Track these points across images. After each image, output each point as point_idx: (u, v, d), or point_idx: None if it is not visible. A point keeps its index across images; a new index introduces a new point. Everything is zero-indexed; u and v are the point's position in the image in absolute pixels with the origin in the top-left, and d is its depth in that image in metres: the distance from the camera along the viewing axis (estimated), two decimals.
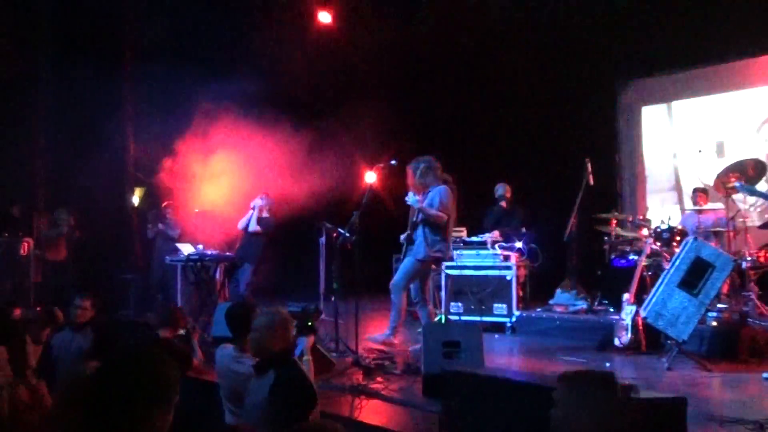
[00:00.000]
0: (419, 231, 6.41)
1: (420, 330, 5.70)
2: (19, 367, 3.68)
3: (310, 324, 4.14)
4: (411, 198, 6.38)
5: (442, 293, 8.07)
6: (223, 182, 10.32)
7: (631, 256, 7.54)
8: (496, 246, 7.93)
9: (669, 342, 5.91)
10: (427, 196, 6.41)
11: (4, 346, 3.69)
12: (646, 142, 10.37)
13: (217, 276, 9.38)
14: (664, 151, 10.08)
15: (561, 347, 6.66)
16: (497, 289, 7.74)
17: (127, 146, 10.76)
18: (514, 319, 7.63)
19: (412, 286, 6.62)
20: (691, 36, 9.30)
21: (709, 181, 7.03)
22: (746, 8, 8.69)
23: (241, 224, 8.81)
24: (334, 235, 7.04)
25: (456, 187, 6.57)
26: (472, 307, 7.78)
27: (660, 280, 6.07)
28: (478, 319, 7.48)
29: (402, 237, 6.68)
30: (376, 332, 6.75)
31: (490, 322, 7.74)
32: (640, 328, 6.14)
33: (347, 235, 6.81)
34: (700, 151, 7.66)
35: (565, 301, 7.91)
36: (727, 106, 9.40)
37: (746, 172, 6.81)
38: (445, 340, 4.88)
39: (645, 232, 7.30)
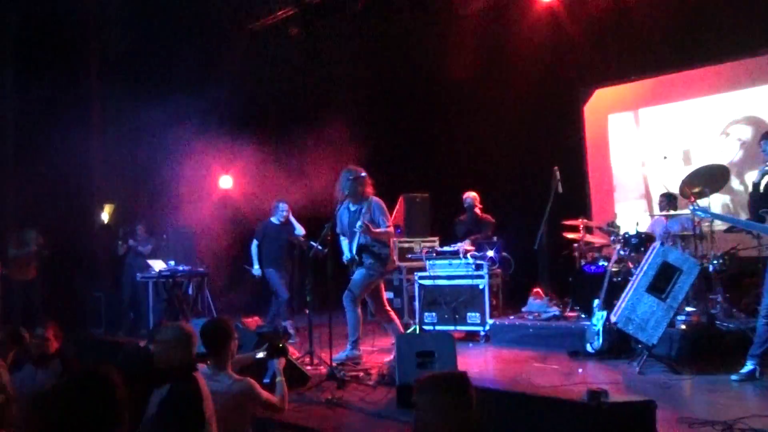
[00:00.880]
0: (368, 252, 6.44)
1: (393, 342, 5.72)
2: None
3: (281, 345, 4.12)
4: (358, 226, 6.29)
5: (416, 303, 8.09)
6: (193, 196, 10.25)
7: (601, 262, 7.64)
8: (469, 255, 7.97)
9: (639, 346, 5.99)
10: (368, 211, 6.40)
11: None
12: (613, 149, 10.48)
13: (190, 291, 9.32)
14: (632, 159, 10.19)
15: (534, 355, 6.71)
16: (470, 298, 7.77)
17: (94, 162, 10.61)
18: (487, 327, 7.67)
19: (370, 304, 6.67)
20: (656, 43, 9.46)
21: (675, 188, 7.15)
22: (710, 15, 8.84)
23: (302, 230, 8.75)
24: (306, 248, 7.04)
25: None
26: (446, 316, 7.81)
27: (629, 286, 6.17)
28: (452, 328, 7.50)
29: (346, 259, 6.65)
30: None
31: (465, 331, 7.80)
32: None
33: (319, 247, 6.81)
34: (665, 158, 7.78)
35: (538, 309, 7.97)
36: (692, 113, 9.54)
37: (711, 178, 6.93)
38: (419, 350, 4.91)
39: (613, 238, 7.40)
